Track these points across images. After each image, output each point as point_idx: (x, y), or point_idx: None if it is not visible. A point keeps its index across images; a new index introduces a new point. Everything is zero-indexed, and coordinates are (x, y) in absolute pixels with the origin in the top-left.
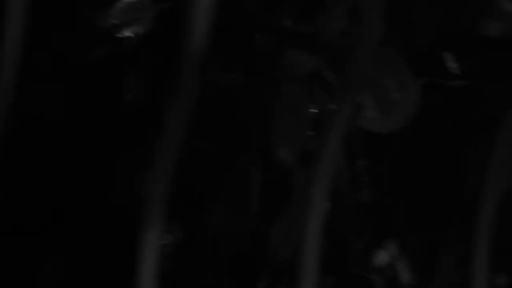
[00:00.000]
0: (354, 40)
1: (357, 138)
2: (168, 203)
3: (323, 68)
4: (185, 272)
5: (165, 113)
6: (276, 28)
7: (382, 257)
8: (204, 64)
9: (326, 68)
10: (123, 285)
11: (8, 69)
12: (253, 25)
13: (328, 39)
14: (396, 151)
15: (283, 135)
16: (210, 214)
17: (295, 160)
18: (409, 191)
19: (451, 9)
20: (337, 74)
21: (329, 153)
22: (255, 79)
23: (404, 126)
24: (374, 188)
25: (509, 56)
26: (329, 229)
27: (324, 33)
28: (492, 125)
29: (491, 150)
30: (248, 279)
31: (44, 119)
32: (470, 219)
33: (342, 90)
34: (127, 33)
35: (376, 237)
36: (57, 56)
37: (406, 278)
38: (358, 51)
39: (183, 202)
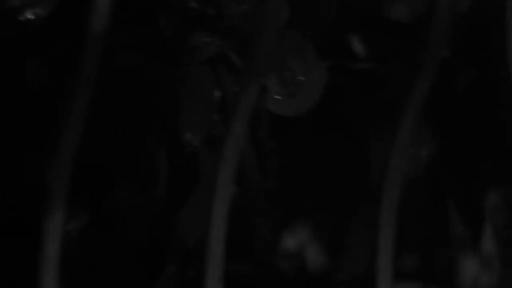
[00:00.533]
0: (258, 22)
1: (263, 121)
2: (72, 187)
3: (228, 51)
4: (90, 258)
5: (67, 96)
6: (181, 9)
7: (290, 243)
8: (107, 46)
9: (231, 50)
10: (26, 272)
11: None
12: (157, 6)
13: (233, 21)
14: (302, 134)
15: (189, 118)
16: (115, 198)
17: (202, 144)
18: (316, 174)
19: None
20: (242, 57)
21: (234, 137)
22: (160, 61)
23: (310, 109)
24: (281, 171)
25: (415, 40)
26: (236, 214)
27: (228, 15)
28: (397, 109)
29: (395, 133)
30: (155, 264)
31: None
32: (376, 202)
33: (247, 73)
34: (29, 15)
35: (284, 223)
36: None
37: (315, 263)
38: (263, 33)
39: (88, 186)
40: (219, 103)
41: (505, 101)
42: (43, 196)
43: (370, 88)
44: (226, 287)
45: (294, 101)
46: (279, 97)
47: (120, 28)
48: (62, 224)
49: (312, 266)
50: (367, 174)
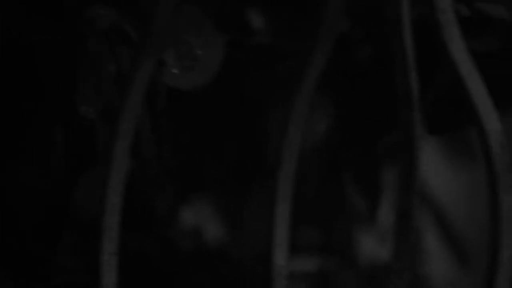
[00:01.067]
0: None
1: (160, 95)
2: None
3: (124, 23)
4: None
5: None
6: None
7: (188, 218)
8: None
9: (127, 23)
10: None
11: None
12: None
13: None
14: (199, 108)
15: (84, 91)
16: (9, 173)
17: (97, 117)
18: (214, 149)
19: None
20: (138, 30)
21: (129, 110)
22: (57, 32)
23: (207, 83)
24: (178, 145)
25: (313, 14)
26: (132, 187)
27: None
28: (294, 83)
29: (291, 110)
30: (52, 239)
31: None
32: (272, 178)
33: (143, 46)
34: None
35: (182, 197)
36: None
37: (214, 239)
38: (160, 6)
39: None
40: (114, 76)
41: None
42: None
43: (268, 63)
44: (121, 261)
45: (191, 75)
46: (175, 71)
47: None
48: None
49: (211, 241)
50: (265, 148)
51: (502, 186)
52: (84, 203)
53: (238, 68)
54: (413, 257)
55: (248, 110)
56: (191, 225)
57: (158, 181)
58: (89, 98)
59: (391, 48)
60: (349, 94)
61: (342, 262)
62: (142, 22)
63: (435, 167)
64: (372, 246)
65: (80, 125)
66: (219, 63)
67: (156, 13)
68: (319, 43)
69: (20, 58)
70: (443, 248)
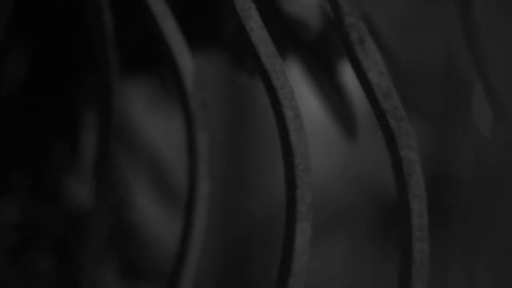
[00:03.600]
0: None
1: None
2: None
3: None
4: None
5: None
6: None
7: None
8: None
9: None
10: None
11: None
12: None
13: None
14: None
15: None
16: None
17: None
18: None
19: None
20: None
21: None
22: None
23: None
24: None
25: None
26: None
27: None
28: None
29: None
30: None
31: None
32: None
33: None
34: None
35: None
36: None
37: None
38: None
39: None
40: None
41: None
42: None
43: None
44: None
45: None
46: None
47: None
48: None
49: None
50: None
51: (197, 123)
52: None
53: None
54: (114, 200)
55: None
56: None
57: None
58: None
59: None
60: (44, 38)
61: (47, 207)
62: None
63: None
64: (75, 190)
65: None
66: None
67: None
68: None
69: None
70: (153, 194)
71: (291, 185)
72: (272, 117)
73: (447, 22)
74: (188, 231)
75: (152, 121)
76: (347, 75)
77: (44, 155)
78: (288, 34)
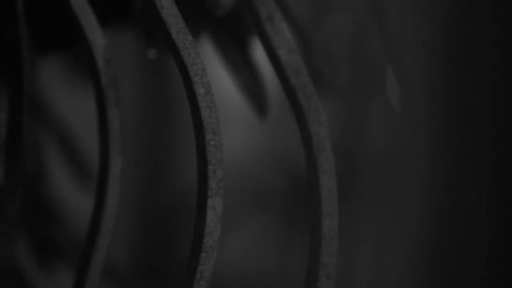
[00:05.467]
0: None
1: None
2: None
3: None
4: None
5: None
6: None
7: None
8: None
9: None
10: None
11: None
12: None
13: None
14: None
15: None
16: None
17: None
18: None
19: None
20: None
21: None
22: None
23: None
24: None
25: None
26: None
27: None
28: None
29: None
30: None
31: None
32: None
33: None
34: None
35: None
36: None
37: None
38: None
39: None
40: None
41: None
42: None
43: None
44: None
45: None
46: None
47: None
48: None
49: None
50: None
51: (109, 100)
52: None
53: None
54: (27, 176)
55: None
56: None
57: None
58: None
59: None
60: None
61: None
62: None
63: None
64: None
65: None
66: None
67: None
68: None
69: None
70: (68, 170)
71: (202, 161)
72: (185, 93)
73: (358, 3)
74: (99, 208)
75: (66, 97)
76: (259, 53)
77: None
78: (199, 11)
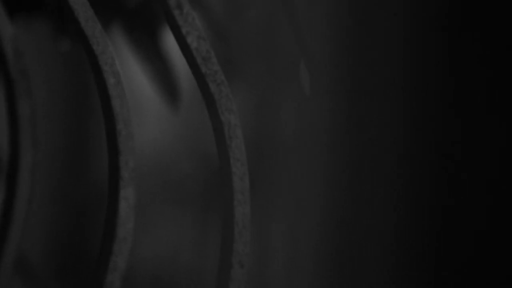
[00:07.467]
0: None
1: None
2: None
3: None
4: None
5: None
6: None
7: None
8: None
9: None
10: None
11: None
12: None
13: None
14: None
15: None
16: None
17: None
18: None
19: None
20: None
21: None
22: None
23: None
24: None
25: None
26: None
27: None
28: None
29: None
30: None
31: None
32: None
33: None
34: None
35: None
36: None
37: None
38: None
39: None
40: None
41: None
42: None
43: None
44: None
45: None
46: None
47: None
48: None
49: None
50: None
51: (18, 91)
52: None
53: None
54: None
55: None
56: None
57: None
58: None
59: None
60: None
61: None
62: None
63: None
64: None
65: None
66: None
67: None
68: None
69: None
70: None
71: (113, 151)
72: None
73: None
74: (10, 200)
75: None
76: (170, 42)
77: None
78: (110, 2)
